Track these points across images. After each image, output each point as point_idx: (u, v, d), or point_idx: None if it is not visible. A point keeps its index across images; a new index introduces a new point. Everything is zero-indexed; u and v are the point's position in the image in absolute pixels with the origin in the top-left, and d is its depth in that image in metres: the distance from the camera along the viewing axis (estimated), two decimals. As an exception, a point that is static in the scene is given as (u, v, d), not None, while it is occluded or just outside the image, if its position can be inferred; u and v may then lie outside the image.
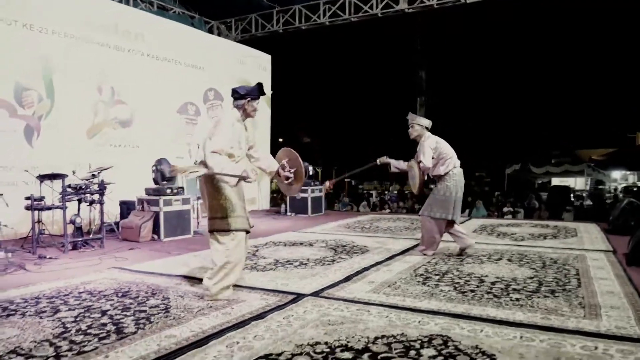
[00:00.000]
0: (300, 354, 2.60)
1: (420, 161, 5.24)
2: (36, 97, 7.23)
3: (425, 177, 5.37)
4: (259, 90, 3.86)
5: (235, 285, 3.84)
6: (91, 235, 6.41)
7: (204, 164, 3.64)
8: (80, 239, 6.12)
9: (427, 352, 2.61)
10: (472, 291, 3.86)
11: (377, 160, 5.59)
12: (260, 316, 3.23)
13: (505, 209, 13.13)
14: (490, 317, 3.20)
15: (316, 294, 3.83)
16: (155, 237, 6.79)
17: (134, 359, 2.53)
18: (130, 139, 8.61)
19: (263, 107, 12.14)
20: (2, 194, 5.70)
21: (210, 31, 12.72)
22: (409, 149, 5.59)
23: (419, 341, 2.76)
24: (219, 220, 3.68)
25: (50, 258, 5.37)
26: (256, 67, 12.03)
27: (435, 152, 5.26)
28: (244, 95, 3.81)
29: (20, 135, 7.04)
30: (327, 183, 5.96)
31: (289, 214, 10.34)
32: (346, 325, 3.04)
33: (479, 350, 2.62)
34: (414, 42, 17.46)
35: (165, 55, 9.43)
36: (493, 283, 4.12)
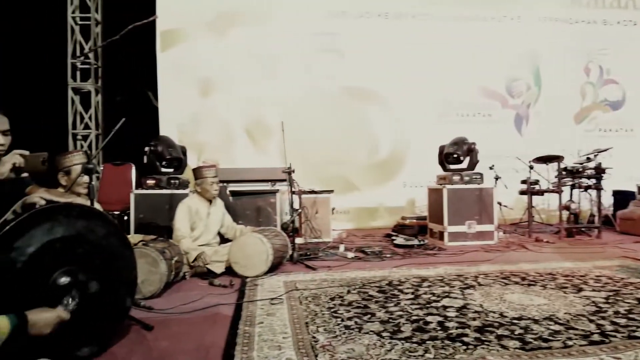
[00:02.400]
0: None
1: None
2: (524, 86, 7.39)
3: None
4: None
5: None
6: (585, 224, 5.93)
7: None
8: (576, 226, 5.73)
9: None
10: None
11: None
12: None
13: None
14: None
15: None
16: (665, 232, 5.60)
17: None
18: (622, 121, 7.60)
19: None
20: (500, 177, 5.98)
21: None
22: None
23: None
24: None
25: (547, 242, 5.23)
26: None
27: None
28: None
29: (510, 124, 7.35)
30: None
31: None
32: None
33: None
34: None
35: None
36: None
